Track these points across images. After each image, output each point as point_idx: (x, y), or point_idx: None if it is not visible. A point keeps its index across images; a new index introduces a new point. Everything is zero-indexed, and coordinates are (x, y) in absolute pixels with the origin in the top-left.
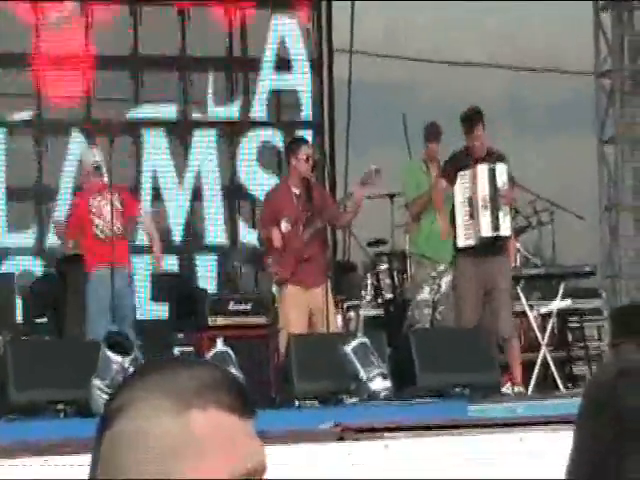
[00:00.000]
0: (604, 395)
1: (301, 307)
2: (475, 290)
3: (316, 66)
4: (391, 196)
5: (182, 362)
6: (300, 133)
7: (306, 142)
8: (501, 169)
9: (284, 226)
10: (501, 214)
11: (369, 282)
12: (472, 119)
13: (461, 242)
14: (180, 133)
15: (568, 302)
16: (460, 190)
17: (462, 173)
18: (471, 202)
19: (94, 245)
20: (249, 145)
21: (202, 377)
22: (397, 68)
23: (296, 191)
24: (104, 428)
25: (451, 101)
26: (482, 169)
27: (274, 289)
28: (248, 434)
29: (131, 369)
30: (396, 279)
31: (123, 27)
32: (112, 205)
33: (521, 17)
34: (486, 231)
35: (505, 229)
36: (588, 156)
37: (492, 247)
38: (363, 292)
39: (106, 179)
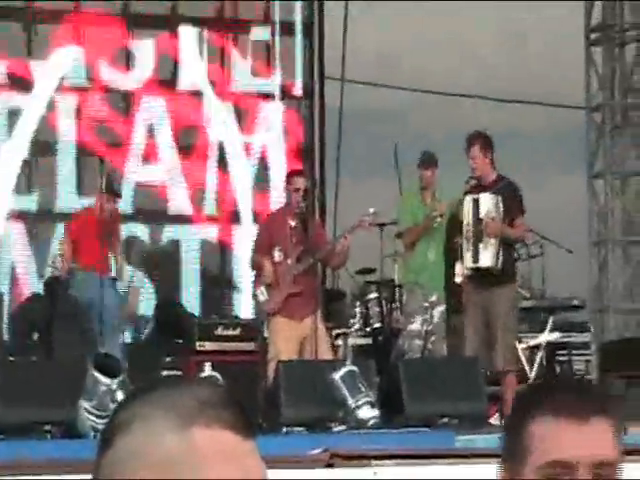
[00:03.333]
0: None
1: (291, 338)
2: (479, 317)
3: (308, 93)
4: (380, 225)
5: (181, 380)
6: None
7: (299, 174)
8: (485, 199)
9: (276, 255)
10: (481, 245)
11: (358, 310)
12: (468, 140)
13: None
14: None
15: (556, 335)
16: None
17: (466, 200)
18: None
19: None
20: None
21: (204, 395)
22: (388, 97)
23: (291, 222)
24: (105, 447)
25: (442, 130)
26: (468, 199)
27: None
28: (250, 453)
29: (119, 391)
30: (385, 308)
31: None
32: None
33: (513, 49)
34: (467, 262)
35: (485, 260)
36: (578, 190)
37: (492, 277)
38: (352, 320)
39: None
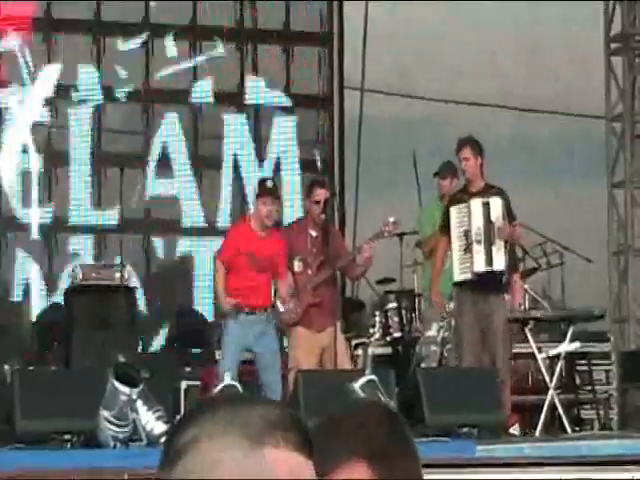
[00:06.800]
0: None
1: (311, 349)
2: (472, 327)
3: (327, 104)
4: (400, 235)
5: (248, 399)
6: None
7: (321, 184)
8: (495, 202)
9: (296, 265)
10: (494, 248)
11: (377, 320)
12: (460, 143)
13: (457, 276)
14: None
15: (576, 345)
16: (456, 224)
17: (458, 207)
18: (467, 236)
19: None
20: None
21: (271, 415)
22: (407, 107)
23: (312, 232)
24: (171, 463)
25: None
26: (476, 202)
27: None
28: (312, 473)
29: (139, 401)
30: (404, 317)
31: None
32: None
33: (533, 58)
34: (479, 266)
35: (498, 263)
36: (598, 199)
37: (489, 284)
38: (371, 330)
39: None
